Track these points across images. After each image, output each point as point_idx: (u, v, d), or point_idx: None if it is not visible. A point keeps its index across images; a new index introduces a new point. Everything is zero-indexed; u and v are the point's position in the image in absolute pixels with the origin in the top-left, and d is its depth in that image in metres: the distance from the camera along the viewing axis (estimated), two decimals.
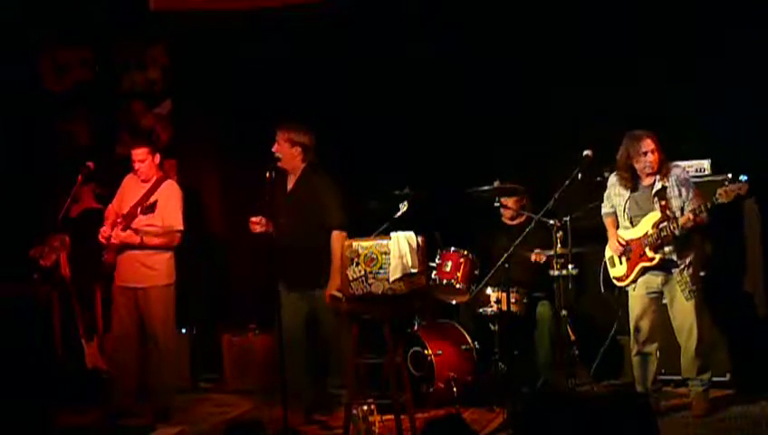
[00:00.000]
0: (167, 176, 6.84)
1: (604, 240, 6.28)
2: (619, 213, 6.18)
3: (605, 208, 6.30)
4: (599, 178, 6.37)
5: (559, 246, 6.31)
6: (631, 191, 6.08)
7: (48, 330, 7.14)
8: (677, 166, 6.08)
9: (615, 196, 6.18)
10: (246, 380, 7.45)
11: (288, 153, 6.31)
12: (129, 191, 6.69)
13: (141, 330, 6.60)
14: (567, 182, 6.08)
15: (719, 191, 5.73)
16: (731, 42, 6.72)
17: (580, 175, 6.10)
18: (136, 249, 6.52)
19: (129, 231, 6.47)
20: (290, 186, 6.41)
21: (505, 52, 7.29)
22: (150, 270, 6.54)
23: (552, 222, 6.29)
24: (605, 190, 6.28)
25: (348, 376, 5.81)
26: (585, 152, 6.15)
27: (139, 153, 6.60)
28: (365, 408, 5.67)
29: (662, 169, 6.00)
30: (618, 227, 6.19)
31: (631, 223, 6.09)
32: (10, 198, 7.72)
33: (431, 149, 7.39)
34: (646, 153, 5.96)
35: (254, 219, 6.31)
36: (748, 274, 6.69)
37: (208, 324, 7.95)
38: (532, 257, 6.77)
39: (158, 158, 6.69)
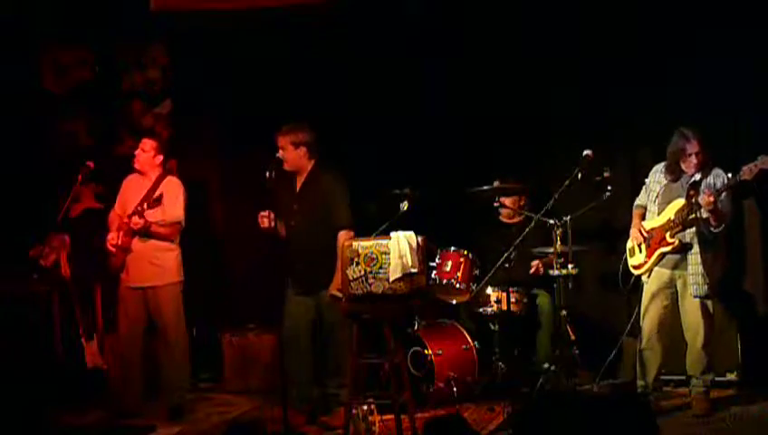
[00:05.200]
0: (167, 173, 6.84)
1: (604, 239, 6.27)
2: (650, 199, 6.18)
3: (638, 200, 6.31)
4: (598, 178, 6.36)
5: (559, 245, 6.31)
6: (671, 181, 6.08)
7: (48, 330, 7.14)
8: (719, 173, 5.98)
9: (653, 182, 6.19)
10: (246, 380, 7.45)
11: (294, 156, 6.25)
12: (131, 191, 6.70)
13: (147, 329, 6.62)
14: (567, 182, 6.08)
15: (743, 169, 5.68)
16: (731, 42, 6.71)
17: (580, 175, 6.10)
18: (145, 246, 6.51)
19: (143, 219, 6.45)
20: (298, 186, 6.36)
21: (505, 52, 7.29)
22: (159, 268, 6.56)
23: (551, 221, 6.29)
24: (605, 190, 6.23)
25: (348, 376, 5.81)
26: (585, 152, 6.15)
27: (147, 144, 6.67)
28: (365, 408, 5.66)
29: (704, 170, 5.99)
30: (644, 218, 6.18)
31: (658, 212, 6.10)
32: (10, 198, 7.71)
33: (431, 149, 7.39)
34: (691, 155, 5.97)
35: (262, 213, 6.16)
36: (748, 273, 6.70)
37: (208, 324, 7.95)
38: (532, 269, 6.81)
39: (159, 158, 6.70)
